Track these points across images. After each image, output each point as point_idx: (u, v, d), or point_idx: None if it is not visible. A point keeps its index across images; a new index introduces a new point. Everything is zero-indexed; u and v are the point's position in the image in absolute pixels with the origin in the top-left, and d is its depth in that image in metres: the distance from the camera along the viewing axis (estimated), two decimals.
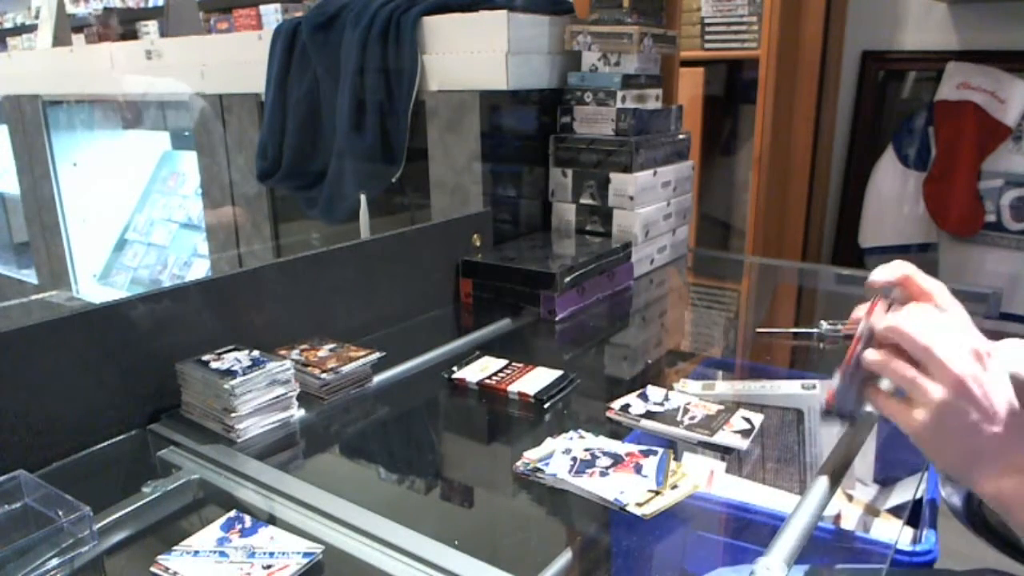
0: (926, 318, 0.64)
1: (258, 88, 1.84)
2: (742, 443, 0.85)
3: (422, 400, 1.08)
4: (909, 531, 0.89)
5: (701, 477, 0.85)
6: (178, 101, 2.20)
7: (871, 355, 0.66)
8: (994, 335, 0.81)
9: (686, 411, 0.92)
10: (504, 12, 1.44)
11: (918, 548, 0.85)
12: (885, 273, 0.69)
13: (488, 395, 1.02)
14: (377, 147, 1.62)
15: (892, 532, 0.81)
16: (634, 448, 0.83)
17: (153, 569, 0.66)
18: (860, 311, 0.70)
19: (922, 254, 2.26)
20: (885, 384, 0.68)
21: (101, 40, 2.79)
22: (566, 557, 0.70)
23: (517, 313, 1.33)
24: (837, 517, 0.83)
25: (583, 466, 0.80)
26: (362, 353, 1.04)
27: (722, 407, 0.93)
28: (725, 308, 1.56)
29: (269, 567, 0.66)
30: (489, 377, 1.04)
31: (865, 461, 0.97)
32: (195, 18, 3.02)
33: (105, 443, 0.90)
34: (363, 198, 1.70)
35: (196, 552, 0.68)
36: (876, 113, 2.38)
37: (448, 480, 0.89)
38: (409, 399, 1.07)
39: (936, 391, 0.61)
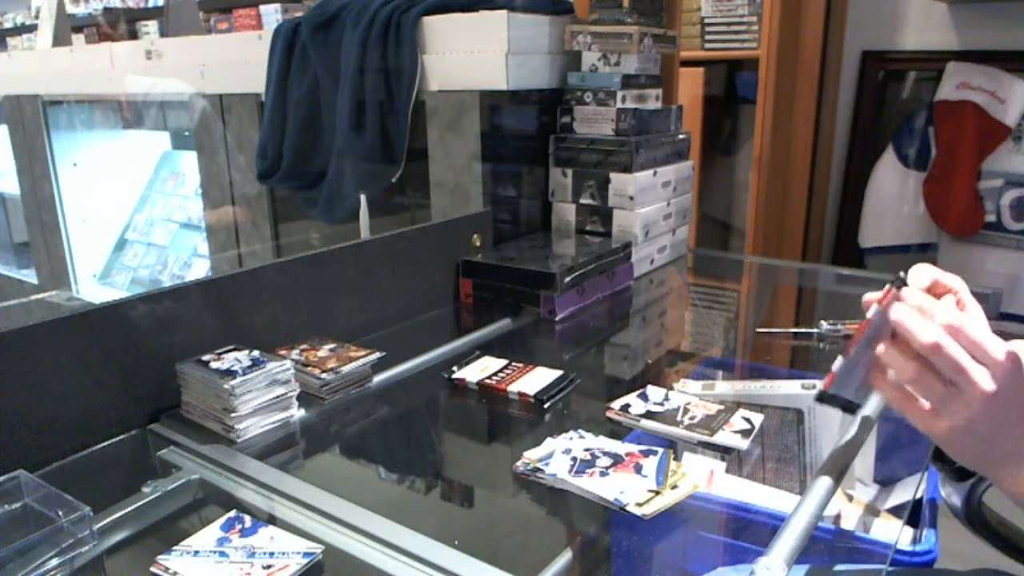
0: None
1: (258, 88, 1.84)
2: (742, 443, 0.85)
3: (422, 400, 1.08)
4: (909, 531, 0.89)
5: (701, 477, 0.85)
6: (178, 101, 2.20)
7: (902, 367, 0.63)
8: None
9: (686, 411, 0.92)
10: (504, 12, 1.44)
11: (918, 548, 0.85)
12: (920, 278, 0.68)
13: (488, 395, 1.02)
14: (377, 147, 1.62)
15: (892, 532, 0.81)
16: (634, 448, 0.83)
17: (153, 569, 0.66)
18: (870, 296, 0.69)
19: (922, 254, 2.26)
20: (892, 373, 0.67)
21: (104, 40, 2.79)
22: (566, 557, 0.70)
23: (517, 313, 1.33)
24: (837, 517, 0.83)
25: (583, 466, 0.80)
26: (362, 353, 1.04)
27: (722, 407, 0.93)
28: (725, 308, 1.56)
29: (269, 567, 0.66)
30: (489, 377, 1.04)
31: (865, 461, 0.97)
32: (195, 18, 3.02)
33: (105, 443, 0.90)
34: (363, 198, 1.70)
35: (196, 552, 0.68)
36: (876, 113, 2.38)
37: (448, 480, 0.89)
38: (409, 399, 1.07)
39: (965, 406, 0.61)
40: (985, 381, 0.60)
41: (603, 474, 0.78)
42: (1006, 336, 0.78)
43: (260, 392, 0.90)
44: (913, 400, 0.65)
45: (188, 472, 0.83)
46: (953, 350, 0.61)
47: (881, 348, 0.65)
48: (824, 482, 0.70)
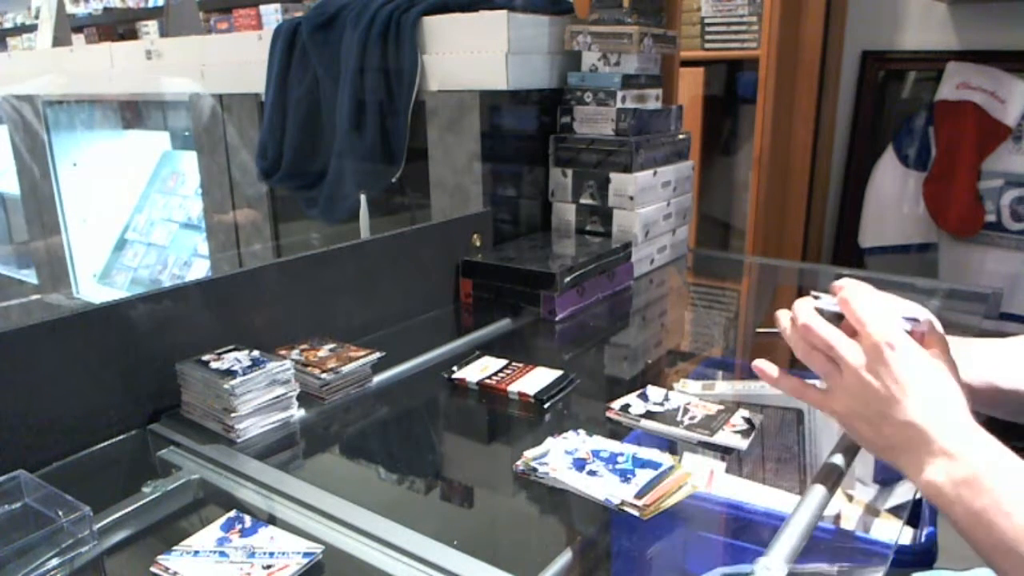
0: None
1: (258, 88, 1.84)
2: (742, 443, 0.85)
3: (422, 400, 1.08)
4: (909, 531, 0.89)
5: (701, 477, 0.85)
6: (178, 101, 2.20)
7: (794, 342, 0.71)
8: (994, 335, 0.81)
9: (686, 411, 0.92)
10: (504, 12, 1.44)
11: (918, 548, 0.85)
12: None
13: (488, 395, 1.02)
14: (377, 147, 1.62)
15: (892, 532, 0.81)
16: (637, 450, 0.83)
17: (153, 569, 0.66)
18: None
19: (922, 254, 2.26)
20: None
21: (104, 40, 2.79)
22: (566, 557, 0.70)
23: (517, 313, 1.33)
24: (837, 517, 0.83)
25: (583, 466, 0.80)
26: (362, 353, 1.04)
27: (722, 407, 0.93)
28: (725, 308, 1.56)
29: (269, 567, 0.66)
30: (489, 377, 1.04)
31: (865, 461, 0.97)
32: (195, 18, 3.02)
33: (105, 443, 0.90)
34: (363, 198, 1.70)
35: (196, 552, 0.68)
36: (876, 113, 2.38)
37: (448, 480, 0.89)
38: (409, 399, 1.07)
39: (844, 387, 0.66)
40: (853, 355, 0.65)
41: (602, 475, 0.78)
42: (1007, 336, 0.78)
43: (260, 392, 0.90)
44: (808, 387, 0.72)
45: (188, 472, 0.83)
46: (822, 328, 0.68)
47: (787, 331, 0.72)
48: (824, 481, 0.70)
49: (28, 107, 2.63)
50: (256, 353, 0.95)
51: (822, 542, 0.72)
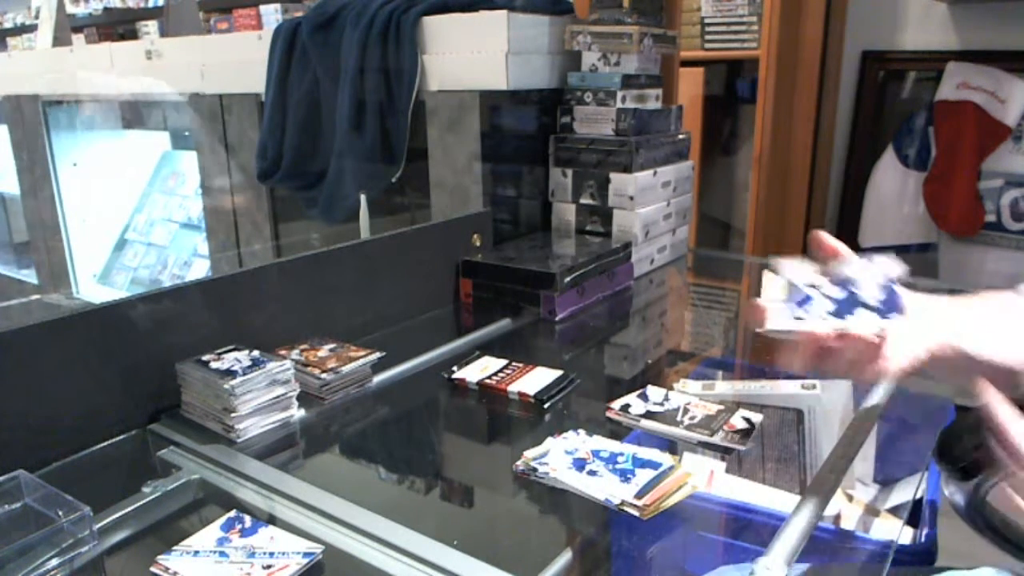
0: None
1: (258, 88, 1.84)
2: (742, 443, 0.85)
3: (422, 400, 1.08)
4: (909, 531, 0.89)
5: (701, 477, 0.85)
6: (178, 101, 2.20)
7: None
8: None
9: (686, 411, 0.92)
10: (504, 12, 1.44)
11: (918, 548, 0.85)
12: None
13: (488, 395, 1.02)
14: (377, 147, 1.62)
15: (892, 532, 0.81)
16: (637, 451, 0.83)
17: (153, 569, 0.66)
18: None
19: (922, 254, 2.26)
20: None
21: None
22: (566, 557, 0.70)
23: (517, 313, 1.33)
24: (837, 517, 0.83)
25: (583, 466, 0.80)
26: (362, 353, 1.04)
27: (722, 407, 0.93)
28: (725, 308, 1.56)
29: (269, 567, 0.66)
30: (489, 377, 1.04)
31: (865, 461, 0.97)
32: (195, 18, 3.03)
33: (105, 443, 0.90)
34: (363, 198, 1.70)
35: (196, 552, 0.68)
36: (876, 113, 2.38)
37: (448, 480, 0.89)
38: (409, 399, 1.07)
39: None
40: None
41: (602, 475, 0.78)
42: None
43: (260, 392, 0.90)
44: None
45: (188, 472, 0.83)
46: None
47: None
48: (824, 482, 0.70)
49: (28, 107, 2.63)
50: (256, 353, 0.95)
51: (822, 542, 0.72)
